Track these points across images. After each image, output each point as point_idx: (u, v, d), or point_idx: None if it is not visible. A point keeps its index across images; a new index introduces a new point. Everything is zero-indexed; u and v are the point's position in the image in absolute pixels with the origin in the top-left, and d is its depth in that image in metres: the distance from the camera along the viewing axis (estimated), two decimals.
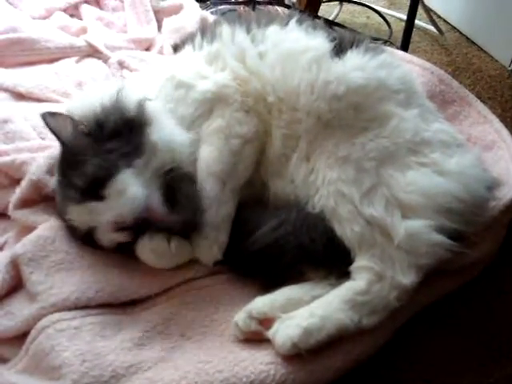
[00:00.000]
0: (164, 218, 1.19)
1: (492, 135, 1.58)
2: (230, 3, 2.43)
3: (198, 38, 1.45)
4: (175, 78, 1.37)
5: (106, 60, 1.90)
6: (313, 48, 1.34)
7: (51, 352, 1.08)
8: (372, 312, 1.14)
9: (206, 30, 1.47)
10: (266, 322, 1.13)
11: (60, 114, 1.25)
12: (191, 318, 1.19)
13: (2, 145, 1.47)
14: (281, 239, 1.22)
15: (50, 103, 1.67)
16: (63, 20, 2.09)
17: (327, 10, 2.77)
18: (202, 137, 1.33)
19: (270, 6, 2.35)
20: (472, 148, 1.47)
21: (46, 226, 1.27)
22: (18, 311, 1.18)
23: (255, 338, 1.14)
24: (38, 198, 1.34)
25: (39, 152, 1.42)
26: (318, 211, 1.24)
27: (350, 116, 1.27)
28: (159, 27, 2.10)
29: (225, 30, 1.42)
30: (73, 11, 2.16)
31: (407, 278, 1.16)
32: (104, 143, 1.22)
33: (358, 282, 1.16)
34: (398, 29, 2.61)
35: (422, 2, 2.57)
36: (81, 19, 2.12)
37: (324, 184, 1.25)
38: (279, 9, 2.17)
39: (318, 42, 1.36)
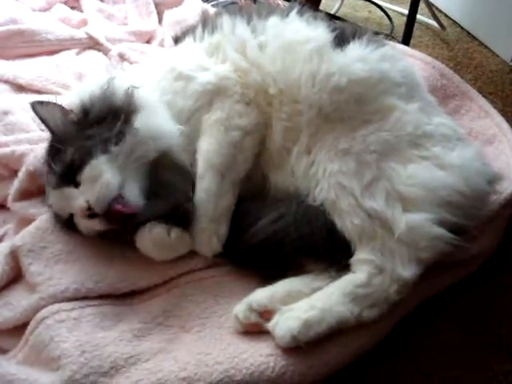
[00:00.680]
0: (134, 210, 1.18)
1: (493, 129, 1.58)
2: None
3: (199, 30, 1.45)
4: (175, 69, 1.37)
5: (106, 52, 1.90)
6: (314, 38, 1.33)
7: (50, 343, 1.08)
8: (372, 305, 1.14)
9: (207, 22, 1.46)
10: (266, 314, 1.13)
11: (49, 103, 1.26)
12: (191, 310, 1.19)
13: (2, 136, 1.47)
14: (281, 231, 1.22)
15: (50, 95, 1.66)
16: (64, 12, 2.09)
17: (328, 4, 2.77)
18: (201, 129, 1.32)
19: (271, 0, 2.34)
20: (473, 142, 1.47)
21: (45, 218, 1.28)
22: (18, 302, 1.18)
23: (255, 330, 1.13)
24: (36, 190, 1.34)
25: (39, 143, 1.41)
26: (318, 204, 1.24)
27: (351, 108, 1.27)
28: (160, 20, 2.10)
29: (225, 21, 1.41)
30: (73, 3, 2.17)
31: (407, 271, 1.15)
32: (86, 130, 1.22)
33: (358, 275, 1.16)
34: (400, 23, 2.61)
35: None
36: (81, 11, 2.12)
37: (325, 177, 1.24)
38: (280, 2, 2.16)
39: (318, 32, 1.35)
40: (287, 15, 1.40)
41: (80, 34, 1.93)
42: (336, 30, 1.36)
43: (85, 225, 1.20)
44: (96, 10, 2.10)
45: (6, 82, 1.71)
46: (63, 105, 1.28)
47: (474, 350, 1.25)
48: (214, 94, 1.33)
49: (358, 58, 1.30)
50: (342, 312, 1.11)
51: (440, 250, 1.18)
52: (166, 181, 1.25)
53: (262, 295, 1.16)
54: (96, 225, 1.19)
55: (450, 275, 1.31)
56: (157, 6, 2.14)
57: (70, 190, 1.19)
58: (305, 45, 1.32)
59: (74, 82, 1.72)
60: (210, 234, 1.25)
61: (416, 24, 2.45)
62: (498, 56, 2.44)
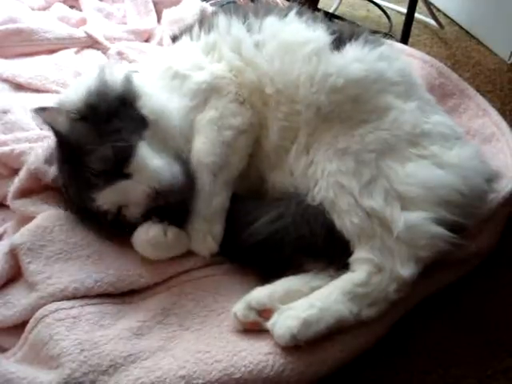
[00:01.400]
0: (184, 187, 1.22)
1: (491, 128, 1.58)
2: None
3: (196, 29, 1.45)
4: (172, 68, 1.37)
5: (105, 51, 1.90)
6: (313, 40, 1.33)
7: (50, 341, 1.08)
8: (371, 304, 1.14)
9: (204, 21, 1.47)
10: (265, 312, 1.13)
11: (49, 108, 1.25)
12: (190, 308, 1.19)
13: (1, 135, 1.48)
14: (280, 231, 1.22)
15: (49, 94, 1.67)
16: (63, 11, 2.09)
17: (327, 3, 2.76)
18: (196, 128, 1.32)
19: None
20: (471, 141, 1.47)
21: (45, 216, 1.28)
22: (17, 301, 1.18)
23: (254, 328, 1.14)
24: (37, 188, 1.34)
25: (38, 142, 1.42)
26: (317, 203, 1.24)
27: (349, 108, 1.27)
28: (159, 18, 2.10)
29: (222, 20, 1.41)
30: (72, 2, 2.17)
31: (406, 270, 1.16)
32: (106, 124, 1.22)
33: (357, 274, 1.16)
34: (398, 22, 2.61)
35: None
36: (80, 10, 2.12)
37: (323, 176, 1.24)
38: (279, 1, 2.15)
39: (318, 34, 1.35)
40: (286, 15, 1.40)
41: (79, 32, 1.93)
42: (335, 33, 1.35)
43: (140, 211, 1.22)
44: (95, 9, 2.10)
45: (5, 80, 1.71)
46: (58, 104, 1.28)
47: (472, 348, 1.25)
48: (209, 92, 1.34)
49: (356, 58, 1.30)
50: (341, 311, 1.12)
51: (439, 248, 1.19)
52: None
53: (261, 294, 1.16)
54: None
55: (449, 274, 1.31)
56: (155, 4, 2.14)
57: (125, 183, 1.20)
58: (304, 46, 1.32)
59: (73, 81, 1.72)
60: (204, 234, 1.26)
61: (414, 23, 2.45)
62: (496, 55, 2.44)
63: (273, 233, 1.22)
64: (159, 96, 1.30)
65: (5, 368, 1.06)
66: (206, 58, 1.39)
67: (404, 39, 2.39)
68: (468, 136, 1.52)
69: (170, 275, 1.24)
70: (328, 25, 1.41)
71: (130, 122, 1.23)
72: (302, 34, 1.36)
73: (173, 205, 1.22)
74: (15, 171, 1.37)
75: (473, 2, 2.61)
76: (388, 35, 2.43)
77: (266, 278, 1.20)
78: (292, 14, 1.41)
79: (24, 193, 1.33)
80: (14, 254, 1.22)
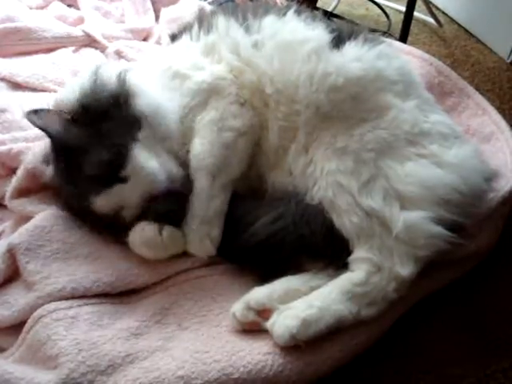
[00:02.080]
0: (181, 186, 1.23)
1: (490, 127, 1.58)
2: None
3: (195, 29, 1.45)
4: (171, 68, 1.37)
5: (103, 50, 1.90)
6: (312, 39, 1.33)
7: (48, 341, 1.08)
8: (370, 303, 1.14)
9: (203, 21, 1.46)
10: (264, 312, 1.13)
11: (42, 110, 1.23)
12: (188, 308, 1.19)
13: None
14: (280, 231, 1.22)
15: (47, 93, 1.66)
16: (60, 10, 2.09)
17: (326, 2, 2.76)
18: (195, 129, 1.32)
19: None
20: (470, 140, 1.47)
21: (43, 216, 1.27)
22: (15, 301, 1.18)
23: (253, 328, 1.13)
24: (35, 188, 1.34)
25: (36, 141, 1.41)
26: (316, 203, 1.24)
27: (348, 107, 1.27)
28: (157, 17, 2.10)
29: (220, 21, 1.41)
30: (70, 1, 2.16)
31: (405, 270, 1.15)
32: (100, 126, 1.21)
33: (356, 273, 1.16)
34: (397, 20, 2.61)
35: None
36: (78, 9, 2.12)
37: (322, 175, 1.24)
38: (278, 0, 2.15)
39: (317, 33, 1.35)
40: (284, 14, 1.40)
41: (77, 31, 1.93)
42: (334, 32, 1.35)
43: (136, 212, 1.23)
44: (93, 8, 2.09)
45: (3, 79, 1.70)
46: (52, 105, 1.27)
47: (471, 347, 1.25)
48: (209, 93, 1.33)
49: (355, 57, 1.29)
50: (341, 310, 1.11)
51: (438, 247, 1.18)
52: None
53: (260, 293, 1.15)
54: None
55: (448, 273, 1.31)
56: (153, 3, 2.14)
57: (121, 187, 1.20)
58: (303, 45, 1.31)
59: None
60: (201, 236, 1.25)
61: (413, 21, 2.44)
62: (495, 53, 2.44)
63: (273, 233, 1.22)
64: (156, 94, 1.30)
65: (3, 368, 1.06)
66: (206, 59, 1.39)
67: (403, 38, 2.38)
68: (467, 135, 1.52)
69: (168, 275, 1.24)
70: (327, 23, 1.40)
71: (125, 123, 1.22)
72: (301, 32, 1.35)
73: (169, 206, 1.22)
74: (13, 171, 1.37)
75: (472, 1, 2.61)
76: (387, 34, 2.42)
77: (265, 277, 1.20)
78: (291, 12, 1.40)
79: (22, 192, 1.33)
80: (11, 253, 1.22)
